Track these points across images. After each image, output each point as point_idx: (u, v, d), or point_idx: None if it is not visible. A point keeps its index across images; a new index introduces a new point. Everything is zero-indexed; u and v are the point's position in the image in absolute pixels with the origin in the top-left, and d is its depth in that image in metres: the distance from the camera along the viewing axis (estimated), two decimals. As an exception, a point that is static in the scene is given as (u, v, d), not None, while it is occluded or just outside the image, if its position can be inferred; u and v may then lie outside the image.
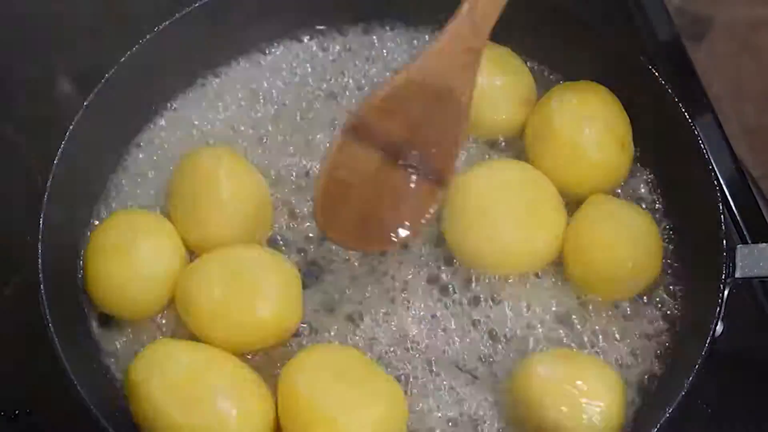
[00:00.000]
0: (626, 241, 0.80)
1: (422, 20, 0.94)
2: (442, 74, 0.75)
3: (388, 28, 0.95)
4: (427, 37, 0.94)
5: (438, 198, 0.76)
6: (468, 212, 0.80)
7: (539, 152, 0.85)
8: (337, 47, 0.94)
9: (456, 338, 0.80)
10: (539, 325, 0.81)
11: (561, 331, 0.81)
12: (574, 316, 0.81)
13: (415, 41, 0.94)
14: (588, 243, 0.80)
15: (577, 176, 0.83)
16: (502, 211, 0.80)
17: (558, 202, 0.82)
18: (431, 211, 0.76)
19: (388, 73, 0.92)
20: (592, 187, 0.84)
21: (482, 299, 0.82)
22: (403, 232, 0.76)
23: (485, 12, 0.76)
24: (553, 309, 0.82)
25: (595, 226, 0.81)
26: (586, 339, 0.80)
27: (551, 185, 0.82)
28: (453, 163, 0.76)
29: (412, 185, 0.75)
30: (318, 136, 0.89)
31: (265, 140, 0.89)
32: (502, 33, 0.92)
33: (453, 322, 0.81)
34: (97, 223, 0.84)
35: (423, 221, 0.76)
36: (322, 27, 0.95)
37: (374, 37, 0.95)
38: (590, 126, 0.83)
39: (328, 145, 0.79)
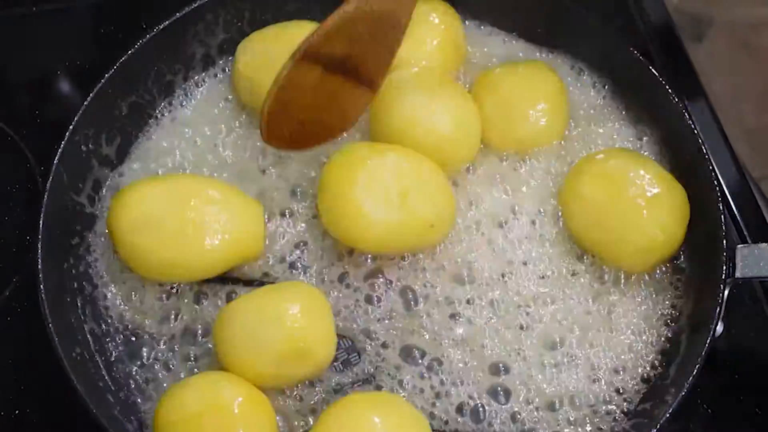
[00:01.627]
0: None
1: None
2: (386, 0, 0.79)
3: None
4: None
5: (368, 102, 0.84)
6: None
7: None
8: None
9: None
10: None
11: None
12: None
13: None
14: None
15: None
16: None
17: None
18: (360, 112, 0.84)
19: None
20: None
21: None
22: (339, 128, 0.84)
23: None
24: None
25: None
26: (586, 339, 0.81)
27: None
28: (385, 73, 0.83)
29: (348, 92, 0.81)
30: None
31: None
32: (504, 22, 0.93)
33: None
34: (96, 222, 0.84)
35: (352, 122, 0.84)
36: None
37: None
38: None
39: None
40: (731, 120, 1.03)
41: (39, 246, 0.76)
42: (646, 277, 0.82)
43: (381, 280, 0.82)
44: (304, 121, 0.81)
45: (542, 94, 0.86)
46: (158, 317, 0.81)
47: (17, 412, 0.81)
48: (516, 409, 0.77)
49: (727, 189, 0.91)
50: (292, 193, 0.86)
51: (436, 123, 0.83)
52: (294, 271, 0.82)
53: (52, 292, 0.75)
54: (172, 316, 0.81)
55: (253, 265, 0.82)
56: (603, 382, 0.78)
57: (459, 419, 0.77)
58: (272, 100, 0.77)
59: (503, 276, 0.83)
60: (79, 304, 0.80)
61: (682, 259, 0.82)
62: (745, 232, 0.90)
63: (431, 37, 0.89)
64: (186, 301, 0.81)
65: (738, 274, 0.76)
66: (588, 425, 0.77)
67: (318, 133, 0.83)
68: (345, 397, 0.75)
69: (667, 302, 0.81)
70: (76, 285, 0.80)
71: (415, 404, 0.77)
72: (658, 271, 0.82)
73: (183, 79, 0.91)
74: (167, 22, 0.87)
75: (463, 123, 0.84)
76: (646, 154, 0.87)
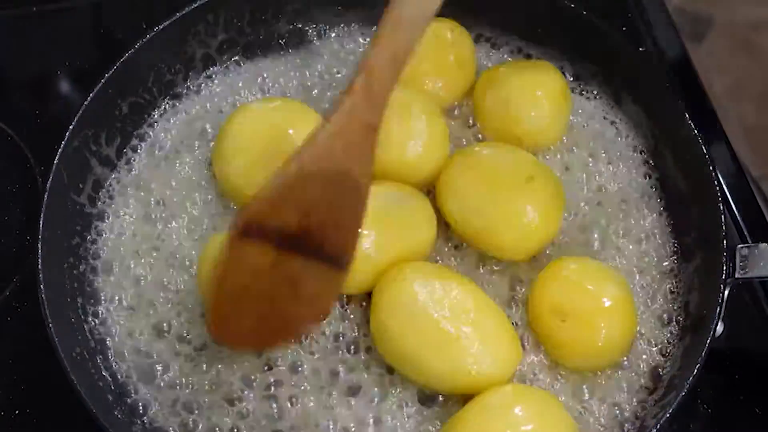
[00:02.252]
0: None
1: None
2: (339, 157, 0.67)
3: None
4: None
5: (340, 283, 0.71)
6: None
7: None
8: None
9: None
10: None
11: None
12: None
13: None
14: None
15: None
16: None
17: None
18: (333, 298, 0.73)
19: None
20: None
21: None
22: (305, 324, 0.74)
23: (383, 81, 0.67)
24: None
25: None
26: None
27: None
28: (354, 247, 0.70)
29: (312, 274, 0.69)
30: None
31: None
32: (505, 29, 0.93)
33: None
34: (96, 222, 0.84)
35: (326, 310, 0.73)
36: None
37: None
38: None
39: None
40: (731, 120, 1.03)
41: (39, 246, 0.76)
42: (647, 278, 0.82)
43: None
44: (264, 315, 0.70)
45: (544, 93, 0.86)
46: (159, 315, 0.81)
47: (17, 412, 0.81)
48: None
49: (727, 189, 0.92)
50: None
51: (401, 148, 0.81)
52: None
53: (52, 292, 0.75)
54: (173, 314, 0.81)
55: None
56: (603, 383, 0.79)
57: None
58: (214, 296, 0.68)
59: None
60: (79, 304, 0.80)
61: (682, 260, 0.83)
62: (745, 232, 0.90)
63: (439, 55, 0.88)
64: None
65: (738, 274, 0.76)
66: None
67: (284, 327, 0.72)
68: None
69: (666, 302, 0.81)
70: (76, 285, 0.80)
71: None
72: (658, 272, 0.83)
73: (183, 79, 0.91)
74: (167, 22, 0.87)
75: (428, 146, 0.82)
76: (645, 154, 0.88)
